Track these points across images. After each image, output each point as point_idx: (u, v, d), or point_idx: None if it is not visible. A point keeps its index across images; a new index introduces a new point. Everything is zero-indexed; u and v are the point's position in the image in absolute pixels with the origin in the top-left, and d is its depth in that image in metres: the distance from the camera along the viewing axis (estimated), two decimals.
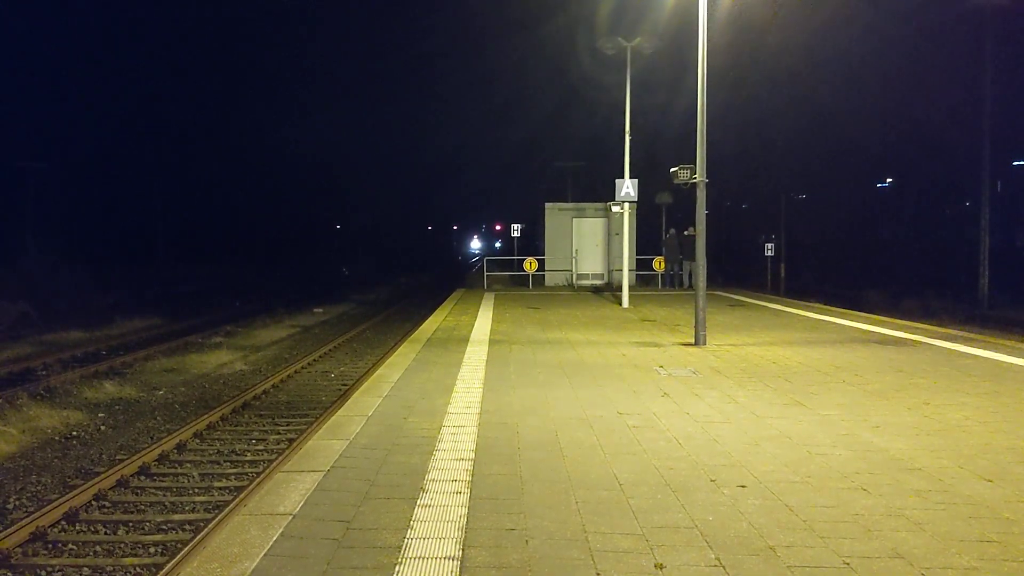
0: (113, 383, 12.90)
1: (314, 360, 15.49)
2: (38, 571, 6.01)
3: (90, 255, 39.80)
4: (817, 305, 19.66)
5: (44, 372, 13.95)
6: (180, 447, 9.25)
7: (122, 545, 6.51)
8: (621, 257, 19.81)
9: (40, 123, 53.93)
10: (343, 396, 11.62)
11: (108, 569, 6.07)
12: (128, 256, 46.98)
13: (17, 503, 7.50)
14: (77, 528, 6.87)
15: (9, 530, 6.35)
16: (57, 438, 9.74)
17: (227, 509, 6.88)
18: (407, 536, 4.40)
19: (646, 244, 28.53)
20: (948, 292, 27.44)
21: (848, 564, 4.04)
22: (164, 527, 6.92)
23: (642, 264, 26.43)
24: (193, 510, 7.35)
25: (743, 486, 5.26)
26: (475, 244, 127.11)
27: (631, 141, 18.66)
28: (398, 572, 3.95)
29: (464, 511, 4.78)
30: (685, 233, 24.13)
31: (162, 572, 5.57)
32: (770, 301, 20.76)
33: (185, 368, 14.66)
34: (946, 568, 4.00)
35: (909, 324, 15.11)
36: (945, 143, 36.22)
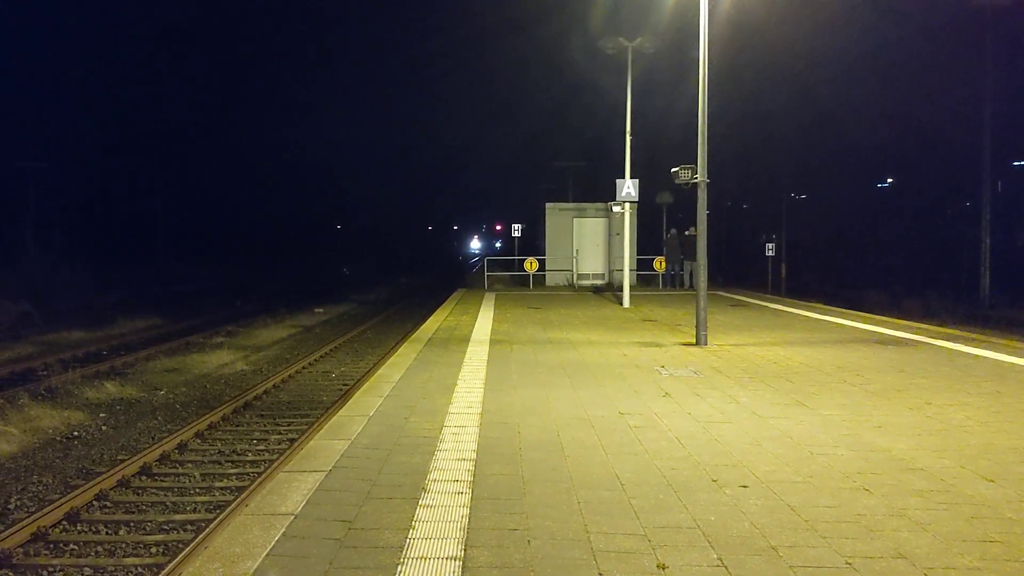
0: (114, 383, 12.90)
1: (315, 360, 15.49)
2: (39, 571, 6.00)
3: (91, 255, 39.83)
4: (818, 305, 19.66)
5: (45, 372, 13.95)
6: (181, 447, 9.25)
7: (123, 545, 6.51)
8: (622, 257, 19.81)
9: (40, 123, 53.98)
10: (344, 396, 11.61)
11: (109, 569, 6.06)
12: (129, 256, 47.00)
13: (18, 503, 7.49)
14: (78, 528, 6.86)
15: (10, 530, 6.34)
16: (58, 438, 9.74)
17: (228, 509, 6.88)
18: (409, 536, 4.40)
19: (647, 244, 28.54)
20: (949, 292, 27.44)
21: (850, 564, 4.03)
22: (166, 527, 6.92)
23: (643, 264, 26.43)
24: (195, 510, 7.35)
25: (745, 486, 5.26)
26: (475, 244, 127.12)
27: (632, 141, 18.66)
28: (400, 572, 3.95)
29: (466, 511, 4.77)
30: (686, 233, 24.13)
31: (164, 572, 5.57)
32: (771, 301, 20.76)
33: (186, 368, 14.66)
34: (948, 568, 4.00)
35: (910, 324, 15.11)
36: (945, 143, 36.23)
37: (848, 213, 45.66)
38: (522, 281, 27.07)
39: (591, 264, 26.61)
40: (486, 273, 28.26)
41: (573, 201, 32.46)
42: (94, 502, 7.35)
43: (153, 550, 6.43)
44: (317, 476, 5.46)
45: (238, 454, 9.18)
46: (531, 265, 25.95)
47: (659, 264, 26.01)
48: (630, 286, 19.46)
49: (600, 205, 26.72)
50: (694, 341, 12.16)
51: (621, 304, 18.99)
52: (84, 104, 66.06)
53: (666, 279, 25.86)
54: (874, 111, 39.08)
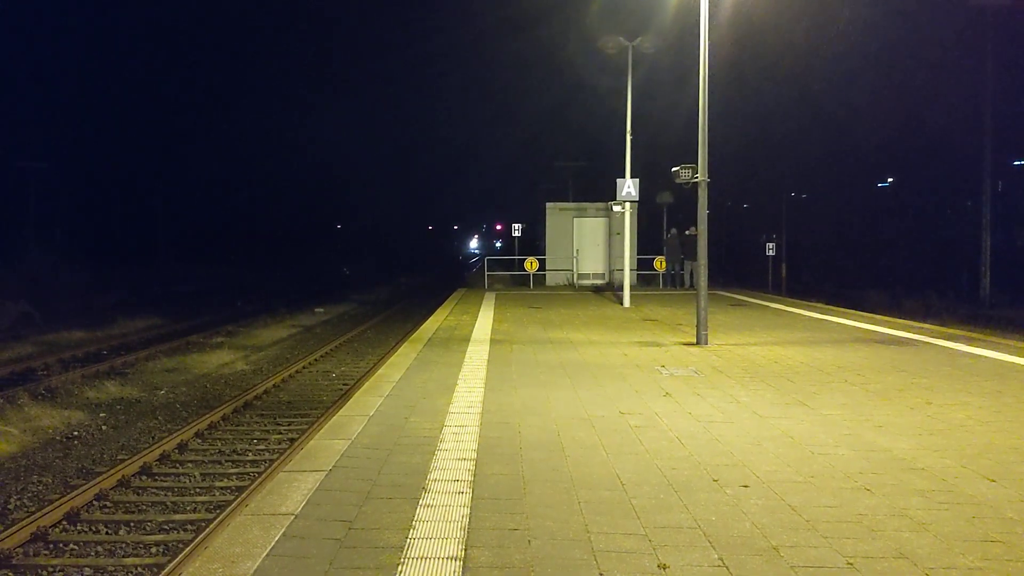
0: (114, 383, 12.90)
1: (315, 360, 15.48)
2: (39, 571, 6.00)
3: (91, 255, 39.82)
4: (818, 305, 19.64)
5: (45, 372, 13.94)
6: (181, 447, 9.24)
7: (123, 545, 6.50)
8: (622, 257, 19.80)
9: (41, 123, 53.98)
10: (344, 396, 11.61)
11: (109, 569, 6.06)
12: (129, 256, 46.99)
13: (18, 503, 7.49)
14: (78, 528, 6.86)
15: (10, 530, 6.33)
16: (58, 438, 9.74)
17: (229, 509, 6.87)
18: (409, 536, 4.39)
19: (647, 244, 28.52)
20: (949, 292, 27.42)
21: (852, 564, 4.02)
22: (166, 527, 6.91)
23: (643, 264, 26.41)
24: (195, 510, 7.34)
25: (746, 486, 5.25)
26: (474, 244, 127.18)
27: (632, 141, 18.65)
28: (400, 572, 3.94)
29: (466, 511, 4.77)
30: (686, 233, 24.12)
31: (164, 572, 5.56)
32: (771, 301, 20.75)
33: (186, 368, 14.66)
34: (950, 568, 3.99)
35: (911, 324, 15.10)
36: (946, 142, 36.20)
37: (848, 213, 45.66)
38: (522, 281, 27.06)
39: (591, 264, 26.60)
40: (486, 273, 28.25)
41: (573, 201, 32.43)
42: (94, 502, 7.35)
43: (153, 550, 6.42)
44: (317, 476, 5.46)
45: (238, 454, 9.17)
46: (531, 265, 25.94)
47: (659, 264, 26.00)
48: (630, 286, 19.45)
49: (600, 205, 26.70)
50: (694, 341, 12.15)
51: (621, 304, 18.98)
52: (84, 104, 66.11)
53: (666, 279, 25.85)
54: (874, 110, 39.08)
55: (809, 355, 10.96)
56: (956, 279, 29.93)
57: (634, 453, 6.04)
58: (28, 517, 6.64)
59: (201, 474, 8.38)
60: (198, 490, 7.91)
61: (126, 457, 8.80)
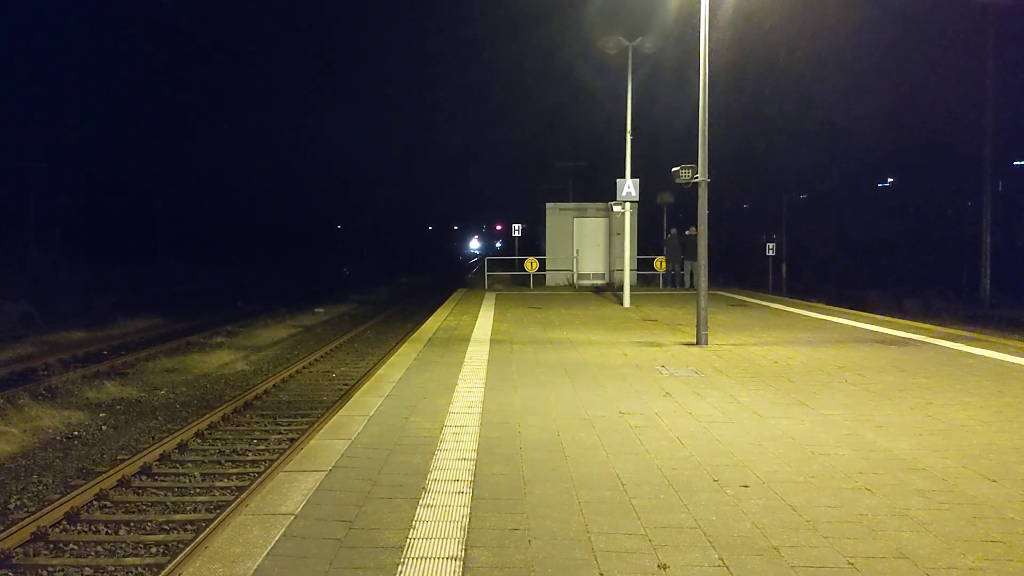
0: (114, 383, 12.90)
1: (315, 360, 15.48)
2: (39, 571, 5.99)
3: (91, 255, 39.82)
4: (819, 305, 19.64)
5: (45, 372, 13.94)
6: (181, 447, 9.24)
7: (123, 545, 6.50)
8: (622, 257, 19.80)
9: (41, 123, 53.96)
10: (345, 396, 11.60)
11: (109, 569, 6.05)
12: (129, 256, 46.97)
13: (18, 503, 7.48)
14: (78, 528, 6.85)
15: (10, 530, 6.33)
16: (58, 438, 9.73)
17: (229, 509, 6.87)
18: (409, 536, 4.39)
19: (647, 244, 28.52)
20: (950, 292, 27.39)
21: (852, 564, 4.02)
22: (166, 527, 6.91)
23: (643, 264, 26.42)
24: (195, 510, 7.34)
25: (746, 486, 5.25)
26: (475, 244, 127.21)
27: (632, 141, 18.65)
28: (400, 572, 3.94)
29: (466, 511, 4.76)
30: (686, 233, 24.12)
31: (164, 572, 5.56)
32: (772, 301, 20.74)
33: (186, 368, 14.65)
34: (950, 568, 3.99)
35: (911, 324, 15.10)
36: (946, 142, 36.19)
37: (849, 212, 45.63)
38: (522, 281, 27.06)
39: (591, 264, 26.60)
40: (486, 273, 28.26)
41: (573, 201, 32.43)
42: (94, 502, 7.34)
43: (153, 550, 6.41)
44: (317, 476, 5.45)
45: (238, 454, 9.17)
46: (531, 265, 25.94)
47: (659, 264, 26.00)
48: (631, 286, 19.45)
49: (600, 205, 26.70)
50: (695, 341, 12.15)
51: (621, 304, 18.98)
52: (84, 104, 66.11)
53: (667, 279, 25.85)
54: (875, 110, 39.06)
55: (809, 355, 10.95)
56: (956, 279, 29.91)
57: (634, 453, 6.04)
58: (28, 517, 6.64)
59: (201, 474, 8.37)
60: (198, 490, 7.90)
61: (126, 457, 8.80)
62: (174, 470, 8.52)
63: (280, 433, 10.07)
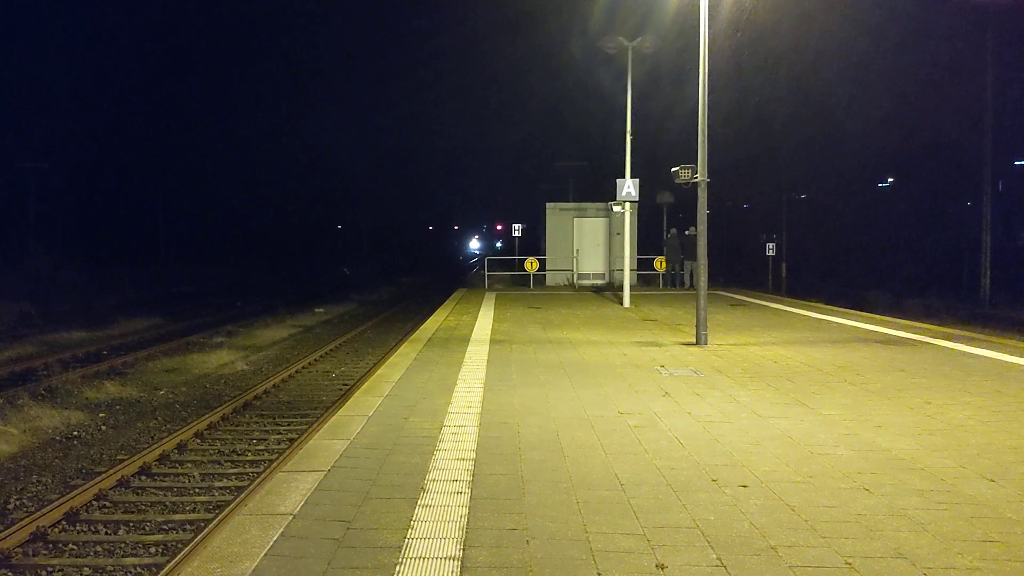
0: (114, 383, 12.90)
1: (315, 360, 15.48)
2: (38, 571, 6.00)
3: (92, 255, 39.85)
4: (818, 305, 19.64)
5: (45, 372, 13.94)
6: (181, 447, 9.24)
7: (123, 545, 6.50)
8: (622, 257, 19.80)
9: (42, 124, 53.98)
10: (344, 396, 11.61)
11: (108, 569, 6.06)
12: (129, 256, 46.99)
13: (18, 503, 7.49)
14: (78, 528, 6.86)
15: (10, 530, 6.34)
16: (58, 438, 9.74)
17: (228, 509, 6.87)
18: (408, 536, 4.39)
19: (647, 244, 28.54)
20: (950, 291, 27.41)
21: (850, 564, 4.02)
22: (165, 527, 6.91)
23: (643, 264, 26.42)
24: (194, 510, 7.34)
25: (744, 486, 5.25)
26: (475, 244, 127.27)
27: (632, 141, 18.65)
28: (398, 572, 3.94)
29: (465, 511, 4.76)
30: (686, 233, 24.12)
31: (162, 572, 5.56)
32: (771, 301, 20.74)
33: (186, 368, 14.66)
34: (948, 568, 3.99)
35: (911, 324, 15.09)
36: (947, 142, 36.18)
37: (849, 212, 45.62)
38: (522, 281, 27.06)
39: (591, 264, 26.60)
40: (486, 273, 28.26)
41: (574, 201, 32.44)
42: (93, 502, 7.35)
43: (152, 550, 6.42)
44: (316, 476, 5.46)
45: (238, 454, 9.17)
46: (531, 265, 25.95)
47: (659, 264, 26.00)
48: (630, 286, 19.45)
49: (600, 205, 26.71)
50: (694, 341, 12.15)
51: (621, 304, 18.99)
52: (84, 104, 66.14)
53: (666, 279, 25.85)
54: (876, 111, 39.06)
55: (809, 355, 10.95)
56: (956, 279, 29.91)
57: (633, 453, 6.04)
58: (28, 517, 6.64)
59: (200, 474, 8.38)
60: (197, 490, 7.91)
61: (125, 457, 8.80)
62: (173, 470, 8.52)
63: (279, 433, 10.07)
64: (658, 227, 29.59)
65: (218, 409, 10.73)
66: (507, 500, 4.96)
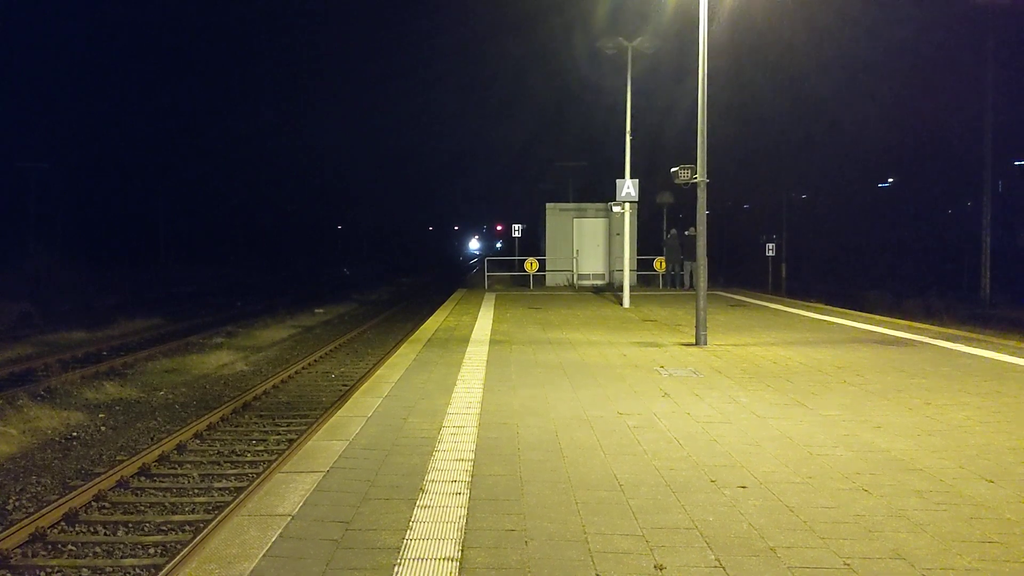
0: (114, 384, 12.90)
1: (315, 360, 15.48)
2: (37, 572, 5.99)
3: (91, 255, 39.85)
4: (818, 305, 19.63)
5: (45, 372, 13.93)
6: (180, 448, 9.24)
7: (121, 546, 6.50)
8: (622, 257, 19.79)
9: (42, 124, 53.98)
10: (343, 397, 11.61)
11: (107, 570, 6.05)
12: (129, 256, 47.02)
13: (17, 504, 7.49)
14: (77, 529, 6.85)
15: (9, 531, 6.33)
16: (57, 439, 9.74)
17: (227, 510, 6.87)
18: (406, 537, 4.39)
19: (647, 244, 28.52)
20: (949, 292, 27.40)
21: (849, 565, 4.02)
22: (164, 528, 6.91)
23: (643, 264, 26.42)
24: (193, 511, 7.34)
25: (743, 487, 5.25)
26: (474, 244, 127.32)
27: (632, 141, 18.64)
28: (397, 573, 3.94)
29: (464, 512, 4.76)
30: (686, 233, 24.12)
31: (161, 573, 5.56)
32: (771, 301, 20.74)
33: (186, 369, 14.66)
34: (947, 569, 3.98)
35: (911, 324, 15.09)
36: (946, 142, 36.18)
37: (849, 213, 45.63)
38: (522, 281, 27.06)
39: (591, 264, 26.60)
40: (486, 273, 28.26)
41: (573, 201, 32.45)
42: (92, 503, 7.34)
43: (151, 551, 6.42)
44: (315, 477, 5.45)
45: (237, 455, 9.17)
46: (531, 265, 25.95)
47: (659, 264, 26.00)
48: (630, 286, 19.45)
49: (600, 205, 26.71)
50: (694, 341, 12.15)
51: (621, 304, 18.98)
52: (84, 104, 66.14)
53: (666, 279, 25.85)
54: (876, 111, 39.06)
55: (808, 355, 10.95)
56: (956, 279, 29.91)
57: (632, 454, 6.04)
58: (27, 518, 6.64)
59: (200, 475, 8.37)
60: (196, 491, 7.90)
61: (125, 458, 8.80)
62: (173, 471, 8.52)
63: (279, 434, 10.07)
64: (658, 227, 29.59)
65: (217, 410, 10.73)
66: (506, 501, 4.96)
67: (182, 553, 5.87)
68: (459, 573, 3.93)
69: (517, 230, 29.98)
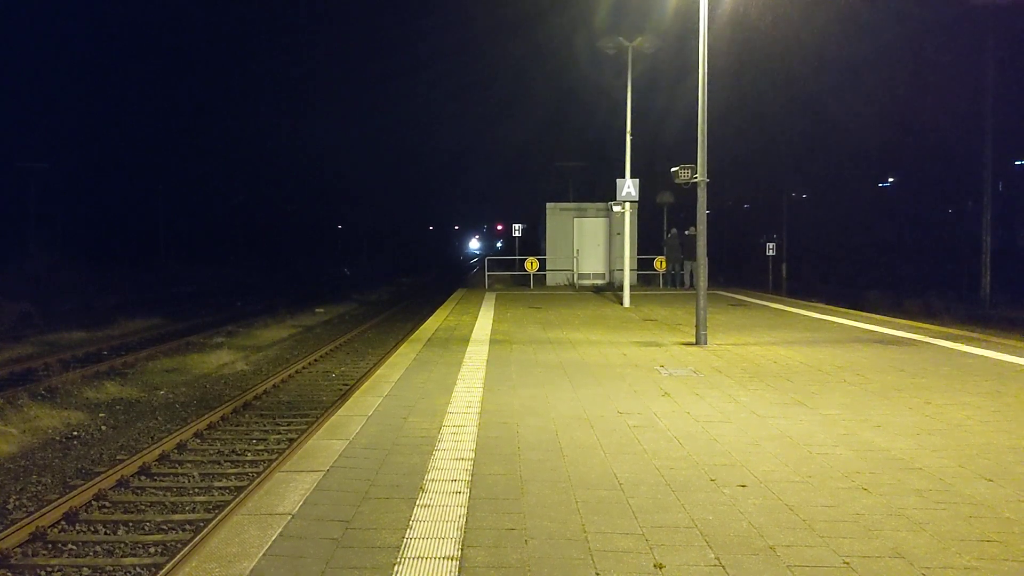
0: (114, 383, 12.91)
1: (315, 360, 15.49)
2: (38, 571, 6.00)
3: (91, 255, 39.86)
4: (818, 305, 19.64)
5: (45, 372, 13.95)
6: (181, 447, 9.25)
7: (122, 545, 6.51)
8: (622, 257, 19.80)
9: (42, 124, 54.01)
10: (343, 396, 11.61)
11: (108, 569, 6.06)
12: (130, 256, 47.02)
13: (17, 503, 7.49)
14: (77, 528, 6.86)
15: (9, 530, 6.34)
16: (58, 438, 9.74)
17: (227, 509, 6.87)
18: (406, 536, 4.39)
19: (647, 244, 28.53)
20: (950, 292, 27.40)
21: (848, 564, 4.02)
22: (164, 527, 6.92)
23: (643, 264, 26.43)
24: (193, 510, 7.35)
25: (743, 486, 5.25)
26: (475, 244, 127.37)
27: (632, 141, 18.65)
28: (397, 572, 3.94)
29: (464, 511, 4.77)
30: (686, 233, 24.12)
31: (161, 572, 5.56)
32: (771, 301, 20.74)
33: (186, 368, 14.66)
34: (946, 568, 3.99)
35: (911, 324, 15.09)
36: (947, 142, 36.16)
37: (849, 213, 45.63)
38: (523, 281, 27.07)
39: (592, 264, 26.60)
40: (487, 273, 28.26)
41: (574, 201, 32.46)
42: (93, 502, 7.35)
43: (151, 550, 6.42)
44: (315, 476, 5.46)
45: (237, 454, 9.18)
46: (532, 265, 25.95)
47: (659, 264, 26.00)
48: (630, 286, 19.45)
49: (601, 205, 26.71)
50: (694, 340, 12.15)
51: (621, 304, 18.98)
52: (84, 104, 66.15)
53: (667, 279, 25.85)
54: (876, 111, 39.05)
55: (808, 355, 10.95)
56: (956, 279, 29.91)
57: (632, 453, 6.04)
58: (27, 517, 6.65)
59: (200, 474, 8.38)
60: (197, 490, 7.91)
61: (125, 457, 8.81)
62: (173, 470, 8.53)
63: (279, 433, 10.08)
64: (658, 227, 29.59)
65: (218, 409, 10.73)
66: (506, 500, 4.96)
67: (182, 552, 5.88)
68: (459, 572, 3.94)
69: (517, 230, 29.98)
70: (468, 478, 5.41)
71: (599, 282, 26.26)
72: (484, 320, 15.72)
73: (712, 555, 4.13)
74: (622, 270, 19.74)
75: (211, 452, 9.23)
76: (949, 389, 8.50)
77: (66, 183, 48.68)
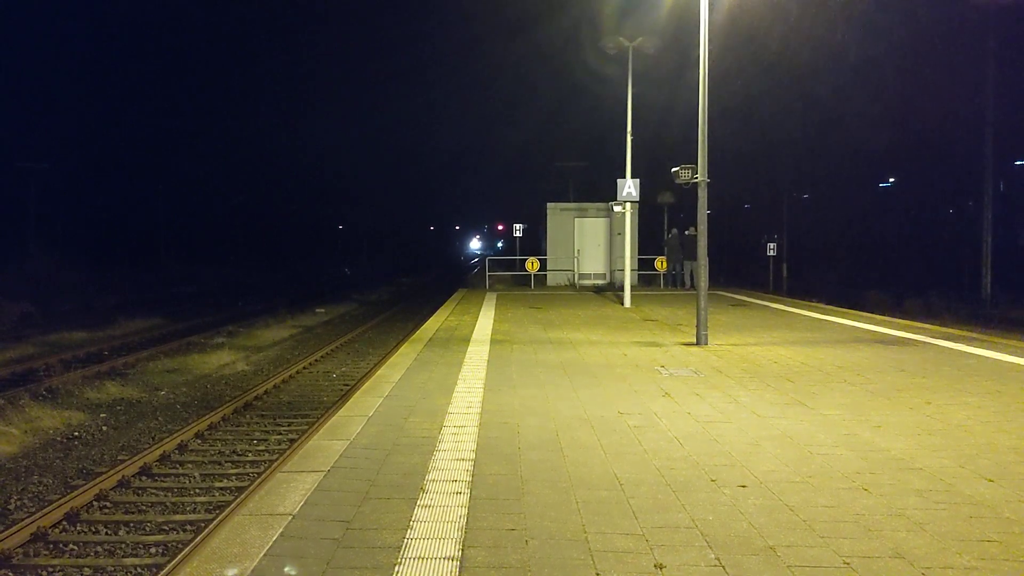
0: (115, 383, 12.91)
1: (316, 360, 15.50)
2: (39, 571, 6.01)
3: (92, 255, 39.86)
4: (819, 305, 19.64)
5: (46, 372, 13.95)
6: (181, 447, 9.25)
7: (123, 545, 6.51)
8: (623, 257, 19.81)
9: (42, 124, 54.03)
10: (344, 396, 11.61)
11: (109, 569, 6.07)
12: (130, 257, 47.03)
13: (18, 503, 7.50)
14: (78, 528, 6.87)
15: (10, 530, 6.35)
16: (59, 438, 9.75)
17: (228, 509, 6.88)
18: (407, 536, 4.40)
19: (648, 244, 28.54)
20: (950, 292, 27.38)
21: (848, 564, 4.03)
22: (165, 527, 6.92)
23: (644, 264, 26.43)
24: (194, 510, 7.35)
25: (744, 486, 5.26)
26: (475, 244, 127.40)
27: (633, 141, 18.65)
28: (397, 572, 3.95)
29: (464, 511, 4.77)
30: (687, 233, 24.13)
31: (162, 572, 5.57)
32: (772, 301, 20.74)
33: (187, 368, 14.67)
34: (946, 568, 3.99)
35: (911, 324, 15.10)
36: (947, 142, 36.15)
37: (849, 213, 45.60)
38: (523, 281, 27.07)
39: (592, 264, 26.61)
40: (487, 273, 28.26)
41: (574, 201, 32.46)
42: (94, 502, 7.36)
43: (152, 550, 6.43)
44: (316, 476, 5.46)
45: (238, 454, 9.18)
46: (532, 265, 25.96)
47: (660, 264, 26.00)
48: (631, 286, 19.46)
49: (601, 205, 26.71)
50: (695, 341, 12.15)
51: (622, 304, 18.99)
52: (85, 104, 66.17)
53: (667, 279, 25.86)
54: (876, 111, 39.02)
55: (809, 355, 10.96)
56: (957, 279, 29.90)
57: (632, 453, 6.04)
58: (28, 517, 6.66)
59: (201, 475, 8.39)
60: (198, 491, 7.92)
61: (126, 458, 8.81)
62: (174, 471, 8.53)
63: (280, 434, 10.08)
64: (659, 227, 29.60)
65: (219, 409, 10.74)
66: (506, 500, 4.97)
67: (183, 552, 5.88)
68: (459, 572, 3.94)
69: (518, 230, 29.99)
70: (468, 478, 5.41)
71: (600, 282, 26.26)
72: (485, 320, 15.72)
73: (712, 555, 4.13)
74: (623, 270, 19.74)
75: (212, 452, 9.23)
76: (950, 389, 8.51)
77: (66, 183, 48.70)
